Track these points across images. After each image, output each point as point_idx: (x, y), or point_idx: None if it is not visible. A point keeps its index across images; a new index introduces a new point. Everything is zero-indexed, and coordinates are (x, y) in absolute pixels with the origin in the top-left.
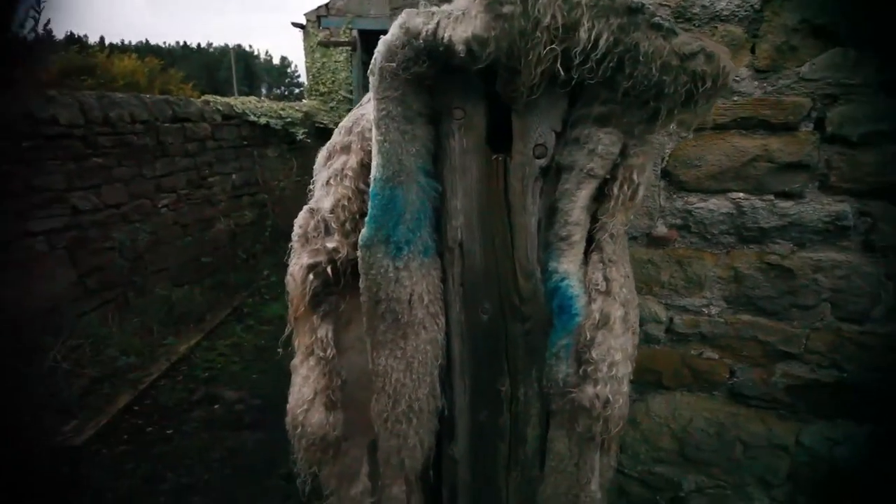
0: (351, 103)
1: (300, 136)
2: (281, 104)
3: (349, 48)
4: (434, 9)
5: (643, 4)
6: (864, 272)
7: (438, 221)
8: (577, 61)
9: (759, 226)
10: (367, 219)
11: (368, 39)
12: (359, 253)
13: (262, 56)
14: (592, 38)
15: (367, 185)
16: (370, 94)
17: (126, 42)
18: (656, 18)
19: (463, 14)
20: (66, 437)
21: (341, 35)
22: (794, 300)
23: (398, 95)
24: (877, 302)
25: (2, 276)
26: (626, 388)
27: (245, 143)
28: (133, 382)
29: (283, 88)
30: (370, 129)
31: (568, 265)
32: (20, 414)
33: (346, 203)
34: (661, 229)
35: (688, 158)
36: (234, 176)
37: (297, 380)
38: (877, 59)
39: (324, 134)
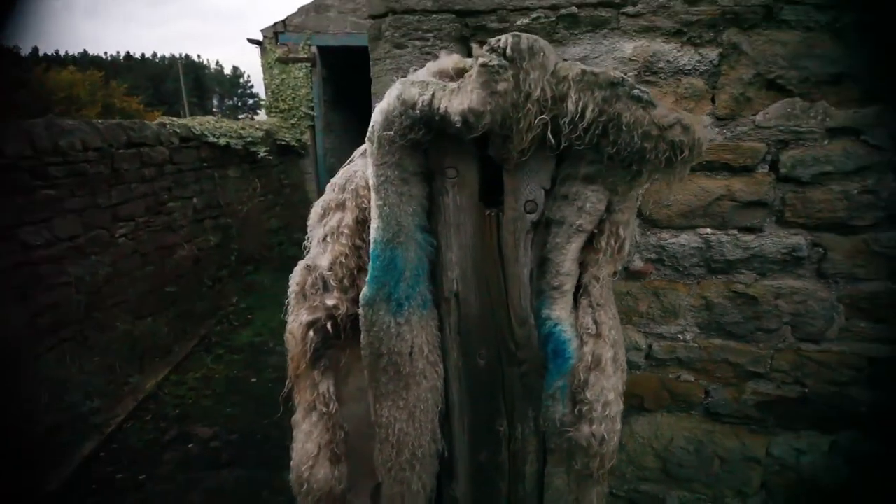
0: (313, 119)
1: (262, 154)
2: (241, 123)
3: (309, 64)
4: (428, 79)
5: (623, 78)
6: (818, 297)
7: (433, 273)
8: (566, 130)
9: (725, 258)
10: (368, 279)
11: (328, 56)
12: (360, 311)
13: (213, 66)
14: (579, 109)
15: (363, 241)
16: (361, 153)
17: (63, 53)
18: (636, 91)
19: (458, 88)
20: (30, 490)
21: (300, 51)
22: (758, 324)
23: (396, 160)
24: (830, 323)
25: None
26: (619, 425)
27: (205, 164)
28: (97, 427)
29: (235, 100)
30: (364, 187)
31: (560, 311)
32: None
33: (343, 260)
34: (637, 263)
35: (659, 199)
36: (195, 200)
37: (299, 436)
38: (822, 109)
39: (286, 152)
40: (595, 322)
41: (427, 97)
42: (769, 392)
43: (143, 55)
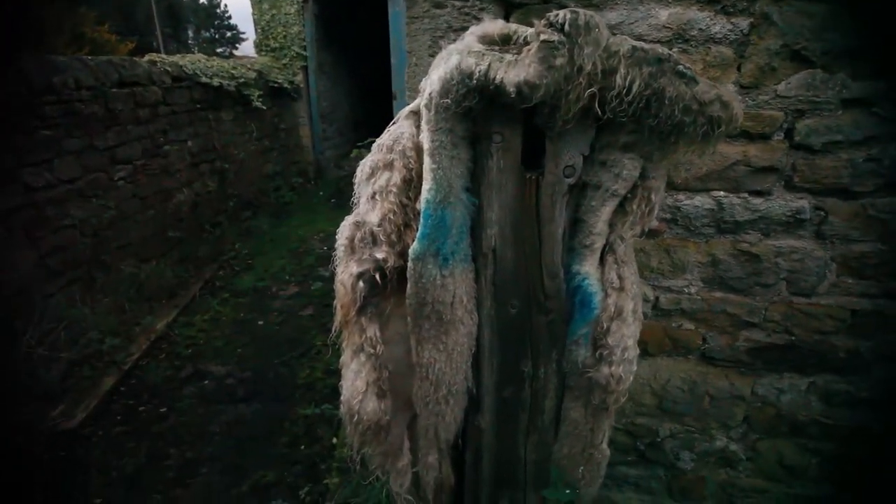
0: (305, 60)
1: (256, 101)
2: (232, 62)
3: (301, 0)
4: (484, 50)
5: (670, 55)
6: (814, 256)
7: (473, 230)
8: (612, 103)
9: (734, 219)
10: (418, 236)
11: None
12: (409, 265)
13: None
14: (627, 83)
15: (409, 199)
16: (406, 115)
17: None
18: (680, 67)
19: (515, 60)
20: (57, 422)
21: None
22: (758, 279)
23: (449, 126)
24: (822, 279)
25: None
26: (634, 367)
27: (198, 106)
28: (115, 363)
29: (212, 31)
30: (410, 148)
31: (588, 267)
32: (2, 401)
33: (391, 217)
34: (653, 223)
35: (680, 163)
36: (189, 143)
37: (348, 374)
38: (840, 80)
39: (279, 94)
40: (619, 277)
41: (483, 67)
42: (760, 339)
43: None
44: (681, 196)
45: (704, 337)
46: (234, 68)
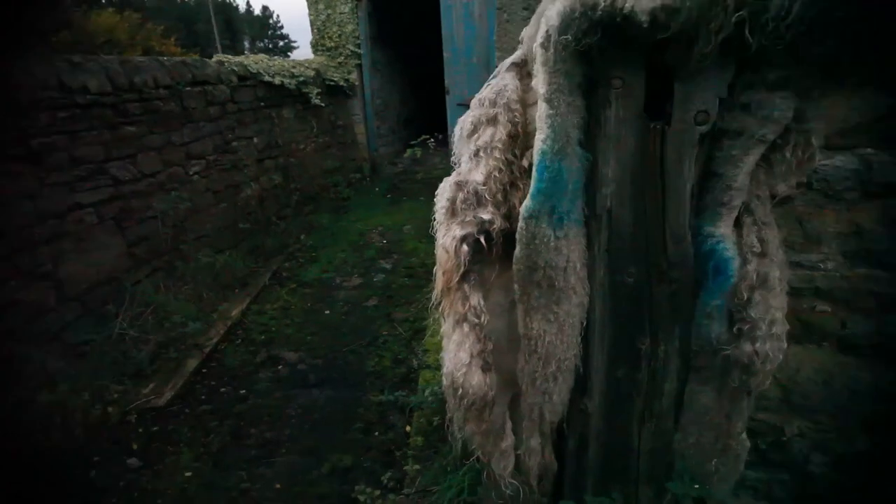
0: (359, 58)
1: (315, 99)
2: (291, 62)
3: None
4: None
5: None
6: None
7: (585, 191)
8: (769, 27)
9: (886, 181)
10: (531, 192)
11: None
12: (521, 224)
13: (243, 7)
14: (786, 3)
15: (515, 156)
16: (508, 67)
17: None
18: None
19: None
20: (149, 398)
21: None
22: None
23: (567, 68)
24: None
25: (60, 248)
26: (784, 344)
27: (262, 104)
28: (197, 347)
29: (266, 41)
30: (515, 101)
31: (724, 229)
32: (100, 378)
33: (497, 174)
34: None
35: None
36: (255, 140)
37: (450, 346)
38: None
39: (335, 92)
40: (760, 240)
41: None
42: None
43: None
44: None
45: (844, 321)
46: (293, 67)
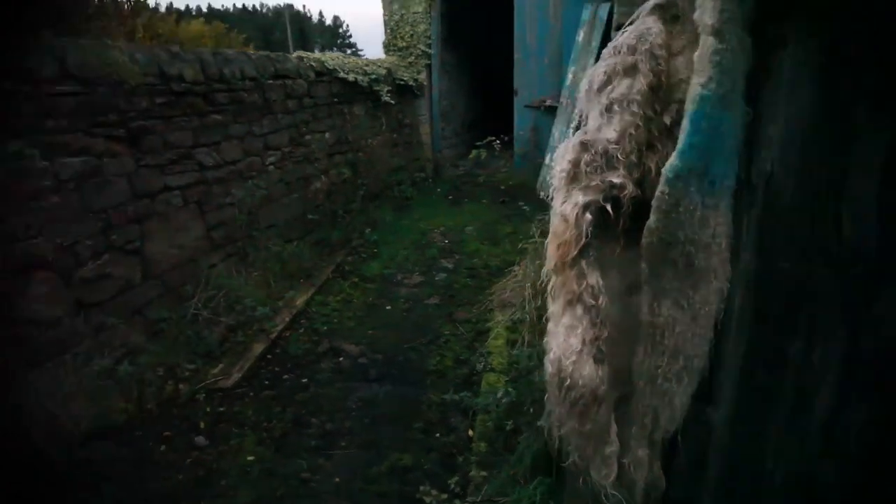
0: (429, 58)
1: (385, 96)
2: (364, 60)
3: None
4: None
5: None
6: None
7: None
8: None
9: None
10: (681, 147)
11: None
12: (661, 188)
13: (315, 17)
14: None
15: (655, 112)
16: (648, 11)
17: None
18: None
19: None
20: (218, 379)
21: None
22: None
23: None
24: None
25: (149, 227)
26: None
27: (335, 100)
28: (264, 332)
29: (335, 48)
30: (660, 46)
31: None
32: (175, 355)
33: (633, 132)
34: None
35: None
36: (327, 134)
37: (558, 329)
38: None
39: (405, 91)
40: None
41: None
42: None
43: (253, 6)
44: None
45: None
46: (366, 65)
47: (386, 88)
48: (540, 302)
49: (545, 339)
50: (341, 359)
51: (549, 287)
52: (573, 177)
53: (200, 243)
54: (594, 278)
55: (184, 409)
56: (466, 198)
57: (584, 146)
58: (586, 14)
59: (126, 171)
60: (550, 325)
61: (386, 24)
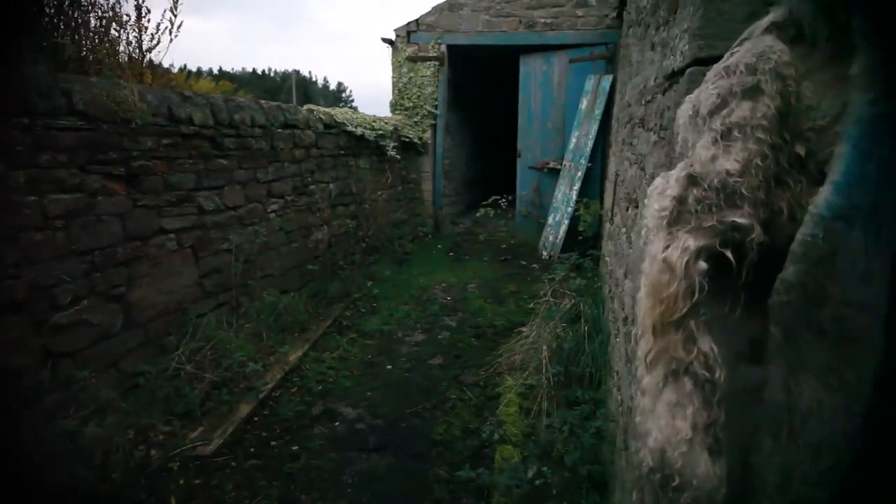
0: (435, 118)
1: (390, 151)
2: (372, 116)
3: (436, 63)
4: None
5: None
6: None
7: None
8: None
9: None
10: (840, 181)
11: (456, 54)
12: (807, 230)
13: (320, 82)
14: None
15: (784, 140)
16: (763, 30)
17: (206, 68)
18: None
19: None
20: (196, 444)
21: (429, 50)
22: None
23: None
24: None
25: (137, 271)
26: None
27: (342, 152)
28: (252, 390)
29: None
30: (787, 64)
31: None
32: (150, 414)
33: (759, 163)
34: None
35: None
36: (331, 185)
37: (659, 407)
38: None
39: (409, 148)
40: None
41: None
42: None
43: (263, 70)
44: None
45: None
46: (374, 121)
47: (392, 144)
48: (561, 367)
49: (636, 419)
50: (337, 423)
51: (641, 353)
52: (677, 217)
53: (191, 290)
54: (707, 344)
55: (154, 480)
56: (467, 255)
57: (693, 180)
58: (589, 84)
59: (121, 210)
60: (645, 402)
61: (394, 84)
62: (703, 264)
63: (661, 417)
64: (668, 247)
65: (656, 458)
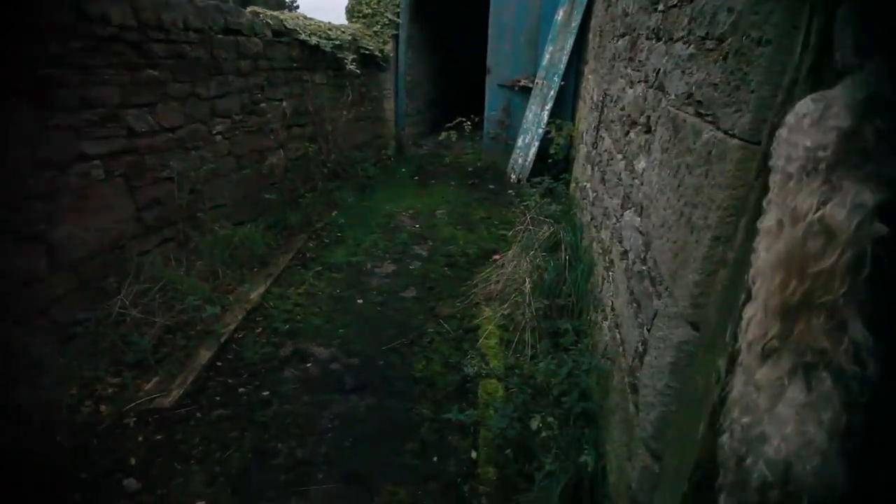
0: (396, 28)
1: (349, 65)
2: (327, 23)
3: None
4: None
5: None
6: None
7: None
8: None
9: None
10: None
11: None
12: None
13: None
14: None
15: None
16: None
17: None
18: None
19: None
20: (153, 396)
21: None
22: None
23: None
24: None
25: (59, 206)
26: None
27: (294, 65)
28: (211, 334)
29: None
30: None
31: None
32: (94, 367)
33: None
34: None
35: None
36: (284, 104)
37: (782, 408)
38: None
39: (369, 62)
40: None
41: None
42: None
43: None
44: None
45: None
46: (329, 29)
47: (350, 57)
48: (544, 298)
49: (742, 420)
50: (309, 365)
51: (753, 336)
52: (843, 159)
53: (128, 225)
54: (859, 332)
55: (106, 439)
56: (433, 179)
57: (875, 104)
58: None
59: (27, 134)
60: (760, 399)
61: None
62: (881, 226)
63: (786, 422)
64: (824, 202)
65: (778, 471)
